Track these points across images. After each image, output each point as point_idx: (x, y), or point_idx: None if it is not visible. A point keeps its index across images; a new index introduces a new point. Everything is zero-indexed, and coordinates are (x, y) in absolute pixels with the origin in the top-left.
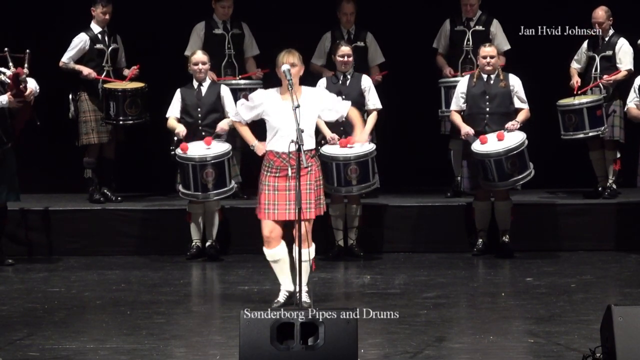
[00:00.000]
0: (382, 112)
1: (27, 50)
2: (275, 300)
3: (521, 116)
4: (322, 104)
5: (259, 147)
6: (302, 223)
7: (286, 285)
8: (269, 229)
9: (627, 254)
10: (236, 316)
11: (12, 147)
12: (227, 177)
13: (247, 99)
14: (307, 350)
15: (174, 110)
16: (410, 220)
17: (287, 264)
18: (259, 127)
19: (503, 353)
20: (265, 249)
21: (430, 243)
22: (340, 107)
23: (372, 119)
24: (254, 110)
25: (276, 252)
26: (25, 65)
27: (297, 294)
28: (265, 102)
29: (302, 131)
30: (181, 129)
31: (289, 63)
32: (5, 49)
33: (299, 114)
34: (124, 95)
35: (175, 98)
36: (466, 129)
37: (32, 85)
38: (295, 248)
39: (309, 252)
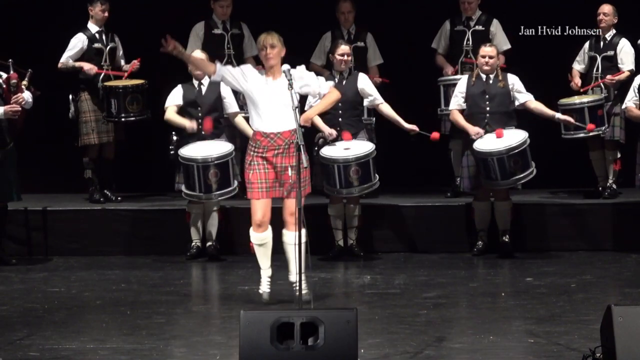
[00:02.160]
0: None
1: (30, 70)
2: (262, 292)
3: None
4: (301, 80)
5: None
6: (291, 202)
7: (266, 270)
8: (262, 212)
9: (627, 254)
10: (236, 316)
11: (14, 147)
12: (230, 177)
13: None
14: (307, 350)
15: (175, 100)
16: (410, 220)
17: (271, 249)
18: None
19: (503, 353)
20: (253, 232)
21: (430, 243)
22: (322, 85)
23: (390, 110)
24: (241, 77)
25: (265, 236)
26: (25, 80)
27: (297, 285)
28: (254, 79)
29: (303, 130)
30: (189, 124)
31: (268, 44)
32: (10, 60)
33: (297, 113)
34: (125, 92)
35: (176, 90)
36: (475, 129)
37: (25, 95)
38: (285, 233)
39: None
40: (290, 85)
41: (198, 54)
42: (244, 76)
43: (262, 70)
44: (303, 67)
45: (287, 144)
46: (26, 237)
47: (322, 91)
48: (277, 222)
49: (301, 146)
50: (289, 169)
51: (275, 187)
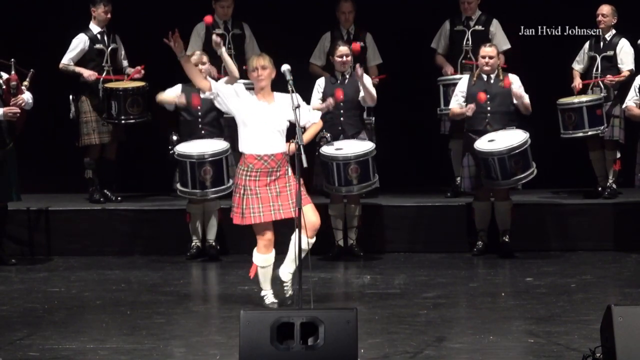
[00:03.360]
0: (381, 114)
1: (32, 70)
2: (269, 303)
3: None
4: (290, 110)
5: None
6: (307, 210)
7: (269, 296)
8: (270, 234)
9: (627, 254)
10: (236, 316)
11: (14, 147)
12: (225, 175)
13: None
14: (307, 350)
15: (175, 90)
16: (410, 220)
17: (270, 273)
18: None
19: (503, 353)
20: (258, 254)
21: (430, 243)
22: (311, 115)
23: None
24: (234, 95)
25: (269, 258)
26: (27, 80)
27: (298, 292)
28: (247, 99)
29: (303, 131)
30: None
31: (260, 65)
32: (12, 59)
33: (298, 113)
34: (125, 94)
35: (177, 86)
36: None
37: (25, 96)
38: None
39: (308, 241)
40: (291, 86)
41: (198, 55)
42: (237, 95)
43: (252, 92)
44: (321, 86)
45: (279, 166)
46: (26, 237)
47: (314, 121)
48: (276, 224)
49: (301, 146)
50: (289, 169)
51: (274, 211)
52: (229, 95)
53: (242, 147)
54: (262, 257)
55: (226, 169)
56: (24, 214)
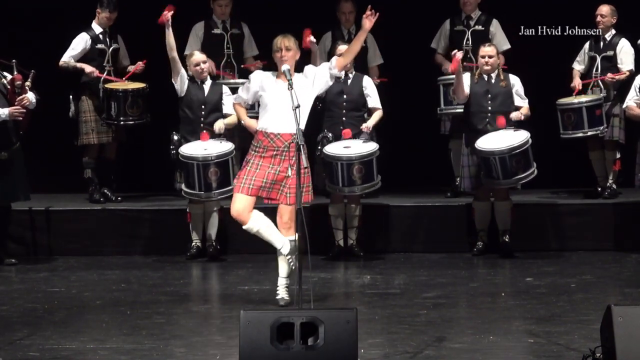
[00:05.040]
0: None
1: (33, 71)
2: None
3: (524, 110)
4: (314, 77)
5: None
6: (286, 209)
7: (280, 243)
8: (244, 205)
9: (627, 254)
10: (236, 316)
11: (20, 146)
12: (230, 176)
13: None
14: (307, 350)
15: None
16: (410, 221)
17: (272, 226)
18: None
19: (503, 353)
20: (243, 226)
21: (430, 243)
22: (328, 65)
23: (376, 115)
24: (252, 90)
25: (253, 222)
26: (29, 81)
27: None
28: (262, 81)
29: (302, 131)
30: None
31: (284, 46)
32: (14, 60)
33: (298, 113)
34: (125, 95)
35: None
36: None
37: (29, 95)
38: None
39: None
40: (290, 86)
41: (197, 55)
42: (252, 88)
43: (273, 72)
44: (310, 65)
45: (286, 147)
46: (26, 236)
47: (333, 70)
48: (271, 219)
49: (301, 146)
50: (289, 169)
51: (266, 188)
52: (246, 94)
53: (258, 122)
54: (247, 227)
55: (232, 169)
56: (24, 214)
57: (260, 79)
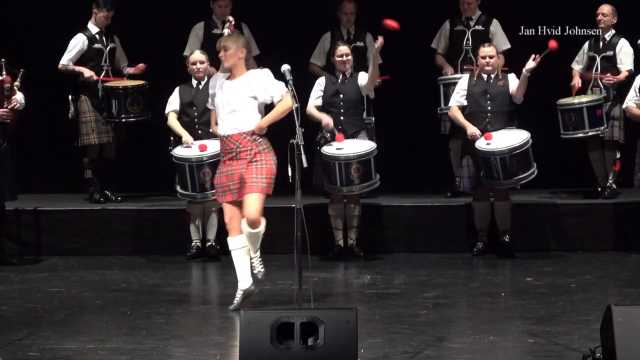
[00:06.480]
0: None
1: (22, 70)
2: (233, 302)
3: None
4: (258, 84)
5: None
6: (246, 198)
7: (242, 281)
8: (229, 215)
9: (626, 254)
10: (236, 316)
11: (8, 147)
12: None
13: None
14: (307, 350)
15: (173, 105)
16: (410, 221)
17: (245, 258)
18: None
19: (503, 353)
20: (229, 238)
21: (430, 243)
22: (276, 91)
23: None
24: (210, 93)
25: (233, 241)
26: (17, 80)
27: (298, 291)
28: (215, 85)
29: (303, 131)
30: (187, 137)
31: (221, 46)
32: (2, 59)
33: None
34: (125, 92)
35: (174, 94)
36: (472, 129)
37: (18, 96)
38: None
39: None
40: (291, 87)
41: (196, 54)
42: (210, 93)
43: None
44: (267, 70)
45: (238, 148)
46: (26, 237)
47: (277, 98)
48: (271, 219)
49: (301, 146)
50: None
51: (227, 192)
52: (211, 100)
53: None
54: (229, 240)
55: None
56: (23, 214)
57: (215, 81)
